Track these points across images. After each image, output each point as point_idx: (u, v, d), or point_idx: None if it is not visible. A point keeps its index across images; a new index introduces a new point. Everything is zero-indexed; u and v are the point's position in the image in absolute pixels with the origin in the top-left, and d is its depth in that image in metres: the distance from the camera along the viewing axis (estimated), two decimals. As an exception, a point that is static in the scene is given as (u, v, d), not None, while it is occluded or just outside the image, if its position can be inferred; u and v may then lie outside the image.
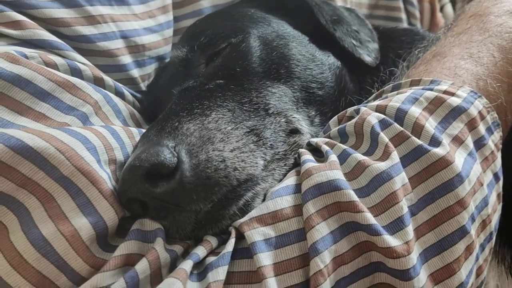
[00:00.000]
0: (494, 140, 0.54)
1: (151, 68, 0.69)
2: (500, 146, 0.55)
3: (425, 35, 0.75)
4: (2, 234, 0.40)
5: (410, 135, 0.48)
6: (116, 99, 0.55)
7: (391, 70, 0.64)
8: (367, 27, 0.74)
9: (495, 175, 0.53)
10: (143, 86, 0.67)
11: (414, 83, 0.57)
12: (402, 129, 0.49)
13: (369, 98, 0.58)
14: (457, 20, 0.69)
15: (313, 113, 0.60)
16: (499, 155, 0.54)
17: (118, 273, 0.40)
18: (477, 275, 0.49)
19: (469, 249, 0.46)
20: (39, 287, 0.39)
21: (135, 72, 0.65)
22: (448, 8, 1.29)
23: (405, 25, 1.09)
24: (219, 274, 0.40)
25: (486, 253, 0.50)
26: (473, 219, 0.47)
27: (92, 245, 0.40)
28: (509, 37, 0.61)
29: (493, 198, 0.51)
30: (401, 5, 1.10)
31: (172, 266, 0.42)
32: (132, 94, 0.62)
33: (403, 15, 1.09)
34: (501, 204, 0.53)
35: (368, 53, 0.68)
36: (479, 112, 0.53)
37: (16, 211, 0.40)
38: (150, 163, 0.41)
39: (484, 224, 0.49)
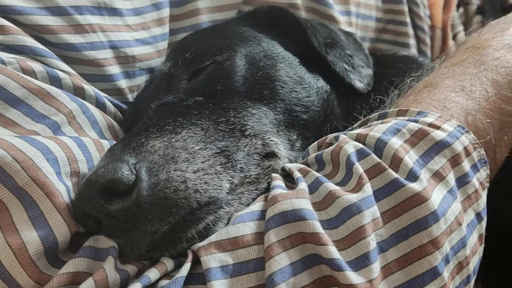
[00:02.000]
0: (479, 178, 0.51)
1: (141, 80, 0.68)
2: (487, 184, 0.53)
3: (423, 63, 0.73)
4: None
5: (387, 167, 0.46)
6: (94, 110, 0.55)
7: (381, 98, 0.63)
8: (363, 52, 0.73)
9: (478, 215, 0.50)
10: (130, 97, 0.67)
11: (401, 113, 0.55)
12: (379, 160, 0.47)
13: (354, 125, 0.57)
14: (455, 51, 0.67)
15: (295, 137, 0.58)
16: (484, 194, 0.52)
17: (63, 292, 0.39)
18: None
19: None
20: None
21: (123, 83, 0.65)
22: (461, 36, 1.27)
23: (413, 51, 1.08)
24: None
25: None
26: (447, 261, 0.45)
27: (39, 260, 0.39)
28: (504, 72, 0.59)
29: (473, 239, 0.49)
30: (410, 31, 1.09)
31: (123, 287, 0.40)
32: (116, 105, 0.62)
33: (412, 41, 1.08)
34: (482, 245, 0.51)
35: (360, 79, 0.66)
36: (465, 148, 0.51)
37: None
38: (106, 179, 0.41)
39: (460, 266, 0.47)
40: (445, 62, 0.64)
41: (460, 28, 1.29)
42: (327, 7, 0.88)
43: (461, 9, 1.36)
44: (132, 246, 0.43)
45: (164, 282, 0.41)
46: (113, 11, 0.64)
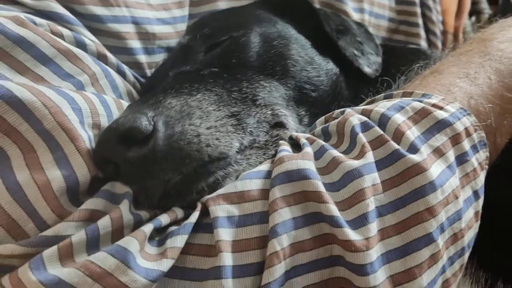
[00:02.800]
0: (478, 159, 0.54)
1: (159, 57, 0.72)
2: (486, 165, 0.55)
3: (431, 55, 0.76)
4: None
5: (389, 139, 0.49)
6: (115, 75, 0.58)
7: (388, 83, 0.66)
8: (374, 41, 0.76)
9: (475, 193, 0.53)
10: (149, 72, 0.71)
11: (406, 94, 0.58)
12: (382, 132, 0.50)
13: (360, 105, 0.60)
14: (462, 43, 0.70)
15: (303, 112, 0.61)
16: (482, 174, 0.54)
17: (81, 226, 0.42)
18: None
19: (434, 258, 0.46)
20: (8, 230, 0.42)
21: (143, 58, 0.68)
22: (473, 41, 1.29)
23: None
24: (177, 241, 0.42)
25: (455, 267, 0.50)
26: (442, 229, 0.47)
27: (61, 197, 0.43)
28: (508, 62, 0.61)
29: (469, 214, 0.51)
30: (422, 33, 1.11)
31: (136, 229, 0.43)
32: (135, 77, 0.66)
33: (423, 43, 1.11)
34: (478, 222, 0.53)
35: (369, 65, 0.69)
36: (466, 129, 0.53)
37: None
38: (126, 126, 0.44)
39: (455, 237, 0.49)
40: (452, 52, 0.67)
41: (472, 35, 1.31)
42: (341, 2, 0.92)
43: (474, 18, 1.39)
44: (146, 193, 0.46)
45: (174, 227, 0.44)
46: (139, -11, 0.68)
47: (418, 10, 1.10)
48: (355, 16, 0.96)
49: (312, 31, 0.71)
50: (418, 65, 0.66)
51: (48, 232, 0.41)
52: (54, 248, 0.40)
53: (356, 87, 0.67)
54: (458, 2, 1.28)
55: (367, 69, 0.69)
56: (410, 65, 0.68)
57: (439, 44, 1.16)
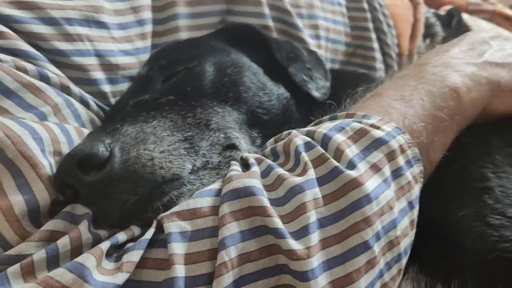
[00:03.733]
0: (412, 173, 0.59)
1: (123, 86, 0.76)
2: (420, 179, 0.61)
3: (376, 78, 0.83)
4: None
5: (330, 157, 0.54)
6: (78, 105, 0.63)
7: (335, 106, 0.72)
8: (323, 67, 0.83)
9: (410, 203, 0.58)
10: (113, 101, 0.75)
11: (349, 116, 0.64)
12: (323, 151, 0.55)
13: (308, 126, 0.65)
14: (402, 69, 0.77)
15: (255, 134, 0.67)
16: (416, 187, 0.59)
17: (42, 245, 0.46)
18: None
19: (370, 263, 0.51)
20: None
21: (106, 88, 0.73)
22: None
23: (381, 74, 1.18)
24: (133, 256, 0.46)
25: (393, 272, 0.55)
26: (378, 237, 0.52)
27: (23, 219, 0.47)
28: (439, 84, 0.68)
29: (404, 223, 0.56)
30: (379, 56, 1.19)
31: (94, 245, 0.47)
32: (99, 106, 0.70)
33: (379, 65, 1.18)
34: (414, 230, 0.58)
35: (317, 89, 0.75)
36: (400, 146, 0.59)
37: None
38: (84, 153, 0.49)
39: (391, 244, 0.54)
40: (392, 77, 0.73)
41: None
42: (297, 30, 0.98)
43: (428, 40, 1.48)
44: (104, 214, 0.51)
45: (130, 244, 0.48)
46: (100, 24, 0.73)
47: (372, 35, 1.17)
48: (312, 42, 1.02)
49: (266, 59, 0.77)
50: (361, 88, 0.73)
51: (11, 252, 0.45)
52: (17, 265, 0.44)
53: (306, 110, 0.73)
54: (412, 26, 1.37)
55: (316, 93, 0.75)
56: (355, 89, 0.74)
57: (395, 66, 1.23)
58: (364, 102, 0.67)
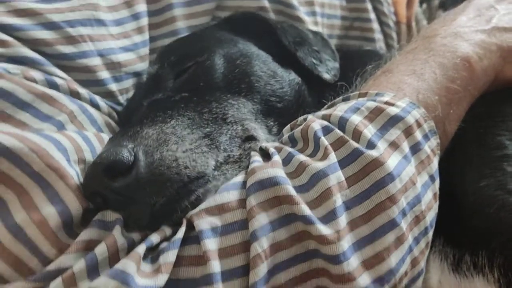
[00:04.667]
0: (430, 146, 0.61)
1: (128, 83, 0.77)
2: (438, 151, 0.62)
3: (383, 55, 0.84)
4: None
5: (349, 139, 0.56)
6: (92, 110, 0.63)
7: (346, 86, 0.72)
8: (330, 48, 0.83)
9: (431, 177, 0.60)
10: (121, 98, 0.75)
11: (362, 95, 0.65)
12: (342, 134, 0.56)
13: (322, 109, 0.66)
14: (410, 41, 0.77)
15: (272, 123, 0.68)
16: (435, 159, 0.61)
17: (80, 256, 0.47)
18: (413, 266, 0.56)
19: (399, 240, 0.53)
20: (15, 268, 0.47)
21: (113, 86, 0.73)
22: (426, 29, 1.38)
23: (380, 44, 1.18)
24: (169, 256, 0.48)
25: (421, 246, 0.57)
26: (404, 214, 0.54)
27: (59, 232, 0.48)
28: (450, 56, 0.69)
29: (428, 197, 0.58)
30: (376, 26, 1.19)
31: (130, 251, 0.49)
32: (110, 106, 0.71)
33: (378, 35, 1.18)
34: (437, 202, 0.60)
35: (327, 71, 0.76)
36: (416, 121, 0.60)
37: None
38: (110, 160, 0.50)
39: (417, 219, 0.56)
40: (400, 51, 0.74)
41: (424, 22, 1.40)
42: (293, 9, 0.98)
43: (424, 5, 1.48)
44: (134, 218, 0.52)
45: (165, 244, 0.49)
46: (100, 22, 0.73)
47: (368, 6, 1.17)
48: (308, 19, 1.02)
49: (273, 45, 0.78)
50: (371, 66, 0.73)
51: (51, 267, 0.47)
52: (59, 279, 0.46)
53: (318, 93, 0.74)
54: (407, -8, 1.36)
55: (326, 75, 0.76)
56: (364, 67, 0.75)
57: (394, 35, 1.24)
58: (375, 80, 0.68)
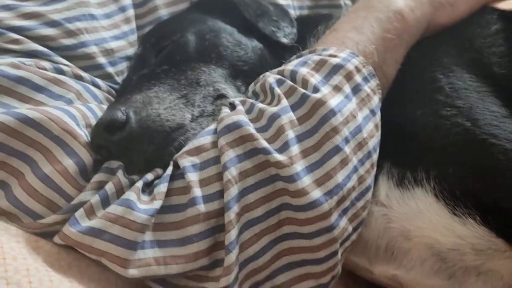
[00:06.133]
0: (370, 86, 0.74)
1: (122, 66, 0.91)
2: (378, 90, 0.76)
3: (334, 15, 0.97)
4: (21, 177, 0.65)
5: (297, 87, 0.70)
6: (94, 89, 0.79)
7: (303, 47, 0.87)
8: (289, 17, 0.98)
9: (372, 111, 0.73)
10: (118, 79, 0.90)
11: (311, 52, 0.79)
12: (291, 83, 0.70)
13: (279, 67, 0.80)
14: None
15: (240, 83, 0.83)
16: (375, 97, 0.74)
17: (95, 192, 0.64)
18: (360, 182, 0.69)
19: (344, 161, 0.67)
20: (48, 207, 0.64)
21: (110, 69, 0.88)
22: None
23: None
24: (161, 188, 0.64)
25: (367, 166, 0.70)
26: (347, 141, 0.68)
27: (77, 177, 0.65)
28: (385, 10, 0.82)
29: (369, 127, 0.71)
30: None
31: (131, 186, 0.65)
32: (109, 86, 0.86)
33: (346, 1, 1.30)
34: (379, 132, 0.74)
35: (285, 36, 0.91)
36: (356, 67, 0.74)
37: (28, 162, 0.65)
38: (107, 120, 0.66)
39: (360, 145, 0.69)
40: (346, 12, 0.88)
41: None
42: None
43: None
44: (133, 163, 0.68)
45: (157, 181, 0.65)
46: (92, 17, 0.87)
47: None
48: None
49: (238, 19, 0.92)
50: (322, 27, 0.88)
51: (75, 201, 0.64)
52: (81, 209, 0.63)
53: (279, 55, 0.88)
54: None
55: (284, 40, 0.91)
56: (317, 29, 0.89)
57: None
58: (324, 38, 0.83)
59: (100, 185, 0.65)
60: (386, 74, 0.80)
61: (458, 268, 0.75)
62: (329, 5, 1.26)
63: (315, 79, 0.71)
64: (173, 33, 0.87)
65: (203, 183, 0.64)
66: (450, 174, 0.72)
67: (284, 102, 0.69)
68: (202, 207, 0.62)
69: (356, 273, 0.87)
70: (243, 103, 0.72)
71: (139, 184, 0.64)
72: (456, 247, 0.73)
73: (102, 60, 0.87)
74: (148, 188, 0.66)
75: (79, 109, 0.70)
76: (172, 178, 0.65)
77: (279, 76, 0.72)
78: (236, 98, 0.78)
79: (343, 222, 0.67)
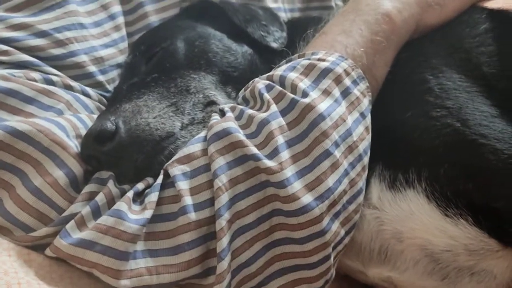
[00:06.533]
0: (360, 89, 0.75)
1: (113, 74, 0.92)
2: (368, 93, 0.76)
3: (323, 19, 0.97)
4: (12, 190, 0.65)
5: (287, 92, 0.70)
6: (84, 98, 0.79)
7: (293, 51, 0.87)
8: (278, 21, 0.98)
9: (362, 114, 0.73)
10: (109, 87, 0.91)
11: (300, 56, 0.79)
12: (281, 89, 0.71)
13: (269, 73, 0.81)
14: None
15: (230, 89, 0.84)
16: (365, 100, 0.75)
17: (85, 204, 0.64)
18: (351, 186, 0.69)
19: (334, 165, 0.67)
20: (39, 219, 0.64)
21: (101, 78, 0.88)
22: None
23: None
24: (152, 197, 0.64)
25: (358, 169, 0.71)
26: (337, 144, 0.68)
27: (68, 189, 0.65)
28: (373, 12, 0.82)
29: (359, 130, 0.72)
30: None
31: (122, 196, 0.66)
32: (100, 94, 0.86)
33: (336, 2, 1.31)
34: (369, 134, 0.74)
35: (275, 40, 0.91)
36: (345, 70, 0.74)
37: (18, 175, 0.66)
38: (97, 130, 0.67)
39: (350, 148, 0.70)
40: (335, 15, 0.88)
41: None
42: None
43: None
44: (123, 173, 0.68)
45: (148, 190, 0.66)
46: (81, 26, 0.88)
47: None
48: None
49: (227, 25, 0.93)
50: (311, 30, 0.88)
51: (66, 213, 0.64)
52: (72, 222, 0.63)
53: (269, 60, 0.89)
54: None
55: (274, 44, 0.91)
56: (306, 33, 0.89)
57: None
58: (313, 42, 0.83)
59: (91, 196, 0.65)
60: (376, 77, 0.80)
61: (452, 268, 0.75)
62: (320, 7, 1.27)
63: (304, 83, 0.71)
64: (163, 41, 0.87)
65: (193, 191, 0.64)
66: (441, 175, 0.72)
67: (274, 107, 0.69)
68: (193, 215, 0.63)
69: (350, 276, 0.88)
70: (232, 109, 0.72)
71: (130, 194, 0.65)
72: (449, 248, 0.74)
73: (92, 68, 0.87)
74: (139, 197, 0.66)
75: (69, 120, 0.70)
76: (163, 187, 0.66)
77: (268, 82, 0.73)
78: (226, 104, 0.79)
79: (335, 226, 0.67)
